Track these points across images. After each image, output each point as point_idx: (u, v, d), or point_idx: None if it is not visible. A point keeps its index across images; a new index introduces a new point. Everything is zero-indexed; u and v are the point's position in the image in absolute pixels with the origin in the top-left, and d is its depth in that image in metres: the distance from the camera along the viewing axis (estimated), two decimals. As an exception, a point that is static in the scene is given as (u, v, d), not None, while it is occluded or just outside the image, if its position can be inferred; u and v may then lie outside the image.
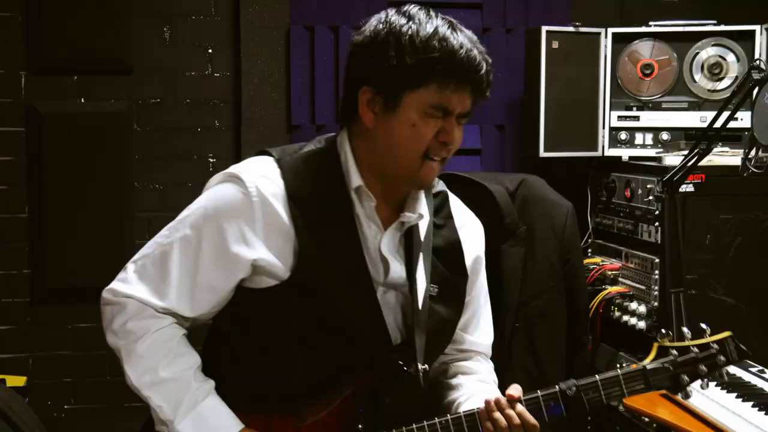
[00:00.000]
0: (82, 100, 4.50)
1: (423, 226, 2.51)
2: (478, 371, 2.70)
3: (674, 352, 2.40)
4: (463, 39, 2.31)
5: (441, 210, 2.60)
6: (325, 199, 2.39)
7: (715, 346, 2.41)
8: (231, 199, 2.36)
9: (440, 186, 2.65)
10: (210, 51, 4.61)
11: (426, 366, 2.47)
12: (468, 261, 2.63)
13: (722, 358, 2.41)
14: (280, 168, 2.40)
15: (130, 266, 2.44)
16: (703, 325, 2.44)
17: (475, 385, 2.60)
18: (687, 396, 2.42)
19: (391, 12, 2.39)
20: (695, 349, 2.40)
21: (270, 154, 2.46)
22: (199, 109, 4.62)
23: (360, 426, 2.40)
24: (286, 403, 2.40)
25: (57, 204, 4.46)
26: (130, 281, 2.41)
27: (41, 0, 4.39)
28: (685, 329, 2.44)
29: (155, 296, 2.38)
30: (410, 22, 2.32)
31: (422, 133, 2.32)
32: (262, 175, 2.38)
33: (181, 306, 2.39)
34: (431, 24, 2.32)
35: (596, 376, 2.39)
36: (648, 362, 2.40)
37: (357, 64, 2.42)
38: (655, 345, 2.42)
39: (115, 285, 2.45)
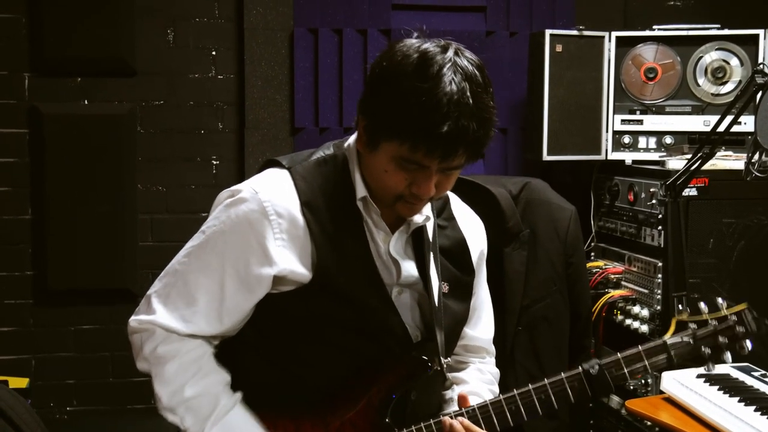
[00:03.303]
0: (86, 102, 4.51)
1: (429, 227, 2.53)
2: (469, 381, 2.71)
3: (693, 325, 2.42)
4: (457, 103, 2.19)
5: (443, 211, 2.62)
6: (336, 207, 2.40)
7: (733, 317, 2.43)
8: (249, 219, 2.36)
9: None
10: (213, 53, 4.62)
11: (448, 359, 2.52)
12: (474, 257, 2.65)
13: (741, 329, 2.43)
14: (292, 176, 2.41)
15: (153, 297, 2.44)
16: (720, 299, 2.46)
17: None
18: (712, 369, 2.45)
19: (413, 46, 2.28)
20: (714, 322, 2.43)
21: (279, 164, 2.46)
22: (202, 111, 4.62)
23: (387, 420, 2.41)
24: (313, 407, 2.43)
25: (60, 205, 4.46)
26: (156, 310, 2.41)
27: (45, 2, 4.40)
28: (701, 304, 2.45)
29: (182, 323, 2.39)
30: (413, 71, 2.23)
31: (391, 182, 2.31)
32: (275, 189, 2.39)
33: (208, 329, 2.42)
34: (434, 78, 2.21)
35: (617, 353, 2.41)
36: (668, 337, 2.42)
37: (365, 87, 2.37)
38: (674, 320, 2.45)
39: (140, 315, 2.44)
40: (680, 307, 2.47)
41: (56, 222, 4.48)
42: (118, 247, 4.53)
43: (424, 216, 2.47)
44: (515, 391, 2.40)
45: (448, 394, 2.67)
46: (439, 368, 2.47)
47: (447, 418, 2.37)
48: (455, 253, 2.60)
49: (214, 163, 4.62)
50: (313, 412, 2.42)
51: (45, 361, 4.56)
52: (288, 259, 2.35)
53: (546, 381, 2.40)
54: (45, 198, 4.47)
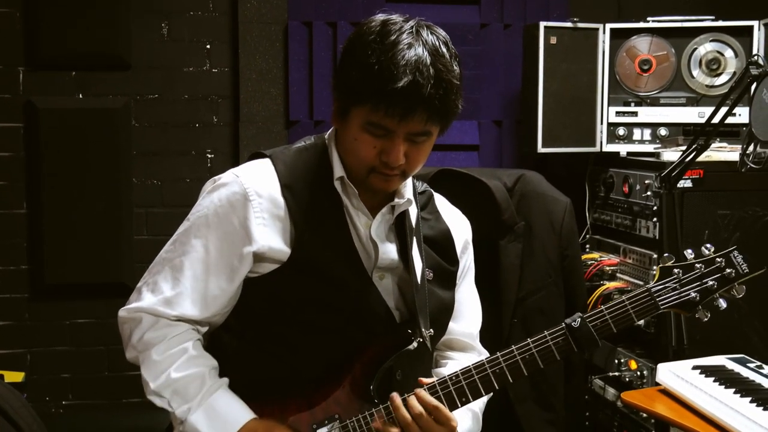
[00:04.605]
0: (80, 96, 4.50)
1: (413, 214, 2.58)
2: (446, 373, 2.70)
3: (676, 270, 2.40)
4: (415, 63, 2.27)
5: (427, 206, 2.67)
6: (316, 190, 2.47)
7: (721, 260, 2.41)
8: (229, 201, 2.43)
9: (424, 186, 2.71)
10: (208, 47, 4.61)
11: (431, 330, 2.52)
12: (458, 248, 2.69)
13: (731, 271, 2.40)
14: (273, 162, 2.49)
15: (142, 287, 2.50)
16: (707, 245, 2.43)
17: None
18: (705, 316, 2.41)
19: (378, 19, 2.40)
20: (700, 266, 2.40)
21: (262, 154, 2.55)
22: (197, 104, 4.62)
23: (371, 389, 2.43)
24: (298, 388, 2.45)
25: (55, 199, 4.46)
26: (143, 298, 2.47)
27: (39, -5, 4.40)
28: (687, 251, 2.43)
29: (168, 307, 2.44)
30: (374, 37, 2.33)
31: (361, 149, 2.37)
32: (256, 173, 2.47)
33: (194, 312, 2.46)
34: (394, 42, 2.30)
35: (601, 306, 2.40)
36: (652, 284, 2.40)
37: (337, 66, 2.47)
38: (658, 268, 2.42)
39: (129, 305, 2.50)
40: (665, 255, 2.44)
41: (51, 216, 4.47)
42: (114, 241, 4.52)
43: (405, 198, 2.52)
44: (498, 354, 2.40)
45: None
46: (421, 340, 2.47)
47: (394, 394, 2.38)
48: (439, 243, 2.64)
49: (209, 156, 4.62)
50: (298, 394, 2.45)
51: (40, 355, 4.56)
52: (267, 237, 2.41)
53: (529, 340, 2.39)
54: (40, 192, 4.46)
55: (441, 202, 2.75)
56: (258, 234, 2.40)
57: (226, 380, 2.47)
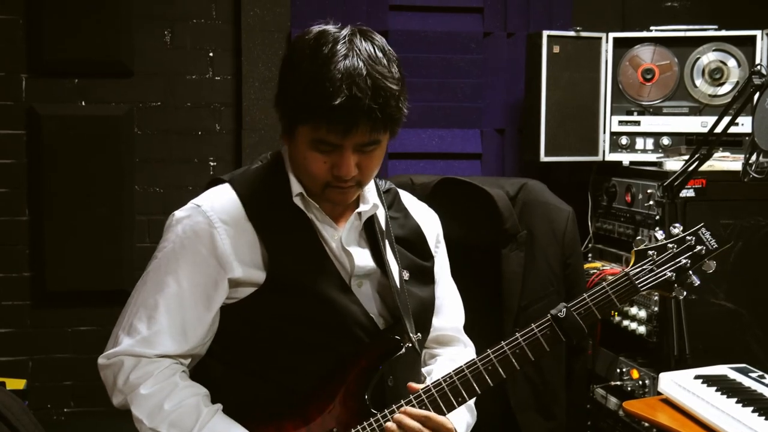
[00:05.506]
0: (83, 103, 4.50)
1: (381, 218, 2.58)
2: (436, 371, 2.70)
3: (651, 252, 2.43)
4: (350, 76, 2.24)
5: (393, 204, 2.66)
6: (279, 208, 2.45)
7: (692, 238, 2.44)
8: (194, 231, 2.42)
9: (388, 185, 2.70)
10: (211, 54, 4.61)
11: (419, 334, 2.53)
12: (431, 243, 2.69)
13: (701, 247, 2.44)
14: (233, 186, 2.48)
15: (118, 331, 2.48)
16: (676, 224, 2.47)
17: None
18: (682, 294, 2.46)
19: (313, 31, 2.38)
20: (672, 246, 2.44)
21: (221, 180, 2.53)
22: (199, 112, 4.62)
23: (366, 398, 2.42)
24: (293, 407, 2.43)
25: (57, 207, 4.45)
26: (121, 341, 2.45)
27: (42, 3, 4.39)
28: (659, 233, 2.48)
29: (148, 347, 2.41)
30: (309, 51, 2.31)
31: (313, 168, 2.36)
32: (217, 200, 2.46)
33: (175, 348, 2.43)
34: (328, 56, 2.27)
35: (584, 294, 2.43)
36: (630, 268, 2.44)
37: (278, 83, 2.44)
38: (633, 252, 2.46)
39: (107, 351, 2.48)
40: (638, 238, 2.48)
41: (54, 223, 4.47)
42: (116, 249, 4.52)
43: (371, 204, 2.52)
44: (489, 351, 2.40)
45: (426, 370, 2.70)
46: (410, 345, 2.47)
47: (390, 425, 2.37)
48: (411, 241, 2.63)
49: (212, 164, 4.62)
50: (292, 412, 2.43)
51: (42, 362, 4.56)
52: (240, 262, 2.40)
53: (518, 334, 2.40)
54: (42, 199, 4.46)
55: (407, 198, 2.74)
56: (230, 260, 2.39)
57: (219, 406, 2.44)
